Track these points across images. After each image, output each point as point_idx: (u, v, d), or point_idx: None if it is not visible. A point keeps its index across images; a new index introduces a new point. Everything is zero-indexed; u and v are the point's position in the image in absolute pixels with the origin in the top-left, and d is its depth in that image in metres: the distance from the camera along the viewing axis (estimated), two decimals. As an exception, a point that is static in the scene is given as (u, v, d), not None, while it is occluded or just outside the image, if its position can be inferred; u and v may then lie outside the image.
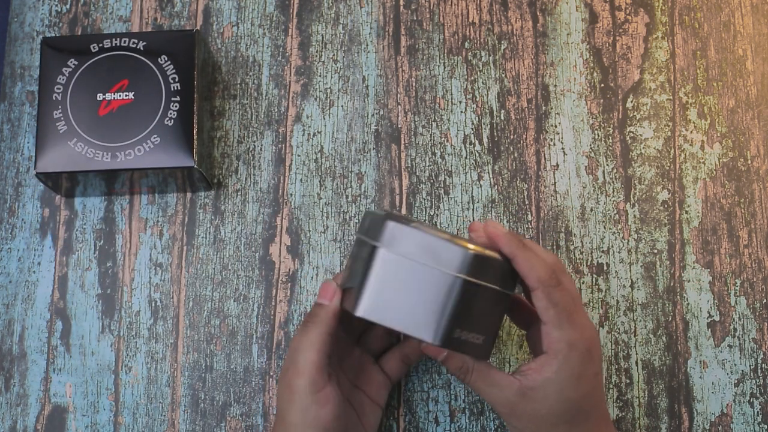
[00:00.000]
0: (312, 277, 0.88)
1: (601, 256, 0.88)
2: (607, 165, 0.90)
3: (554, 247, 0.88)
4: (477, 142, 0.91)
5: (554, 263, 0.73)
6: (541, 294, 0.72)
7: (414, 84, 0.92)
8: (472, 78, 0.92)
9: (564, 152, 0.90)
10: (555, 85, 0.92)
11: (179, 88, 0.85)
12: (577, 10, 0.93)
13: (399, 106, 0.92)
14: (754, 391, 0.86)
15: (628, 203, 0.89)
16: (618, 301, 0.87)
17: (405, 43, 0.93)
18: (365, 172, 0.90)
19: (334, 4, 0.94)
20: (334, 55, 0.93)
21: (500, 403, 0.74)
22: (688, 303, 0.87)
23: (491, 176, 0.90)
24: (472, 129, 0.91)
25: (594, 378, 0.73)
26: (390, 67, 0.92)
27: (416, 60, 0.93)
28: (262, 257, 0.89)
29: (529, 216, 0.89)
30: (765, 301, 0.87)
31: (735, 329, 0.87)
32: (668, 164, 0.90)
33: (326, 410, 0.74)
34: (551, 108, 0.91)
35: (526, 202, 0.89)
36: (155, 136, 0.84)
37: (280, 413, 0.76)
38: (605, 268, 0.88)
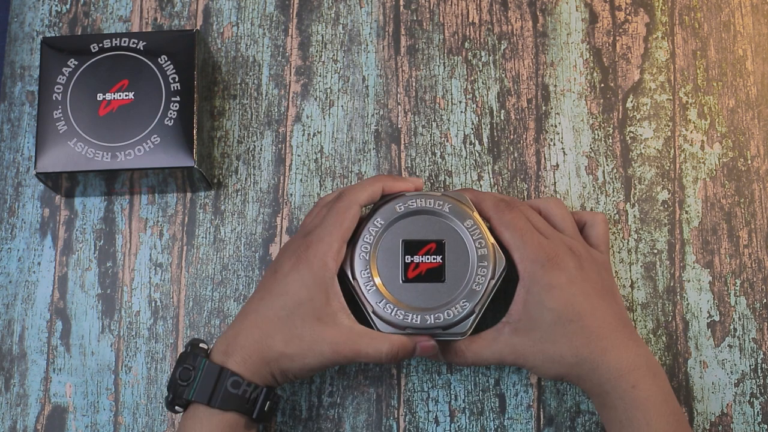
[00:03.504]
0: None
1: (601, 256, 0.88)
2: (607, 165, 0.90)
3: (554, 247, 0.88)
4: (477, 142, 0.91)
5: (503, 196, 0.80)
6: (495, 222, 0.78)
7: (414, 84, 0.92)
8: (472, 78, 0.92)
9: (564, 152, 0.90)
10: (555, 85, 0.92)
11: (179, 88, 0.85)
12: (577, 10, 0.93)
13: (399, 106, 0.92)
14: (754, 391, 0.86)
15: (628, 203, 0.89)
16: (618, 301, 0.87)
17: (405, 43, 0.93)
18: (365, 172, 0.90)
19: (334, 4, 0.94)
20: (334, 55, 0.93)
21: (507, 354, 0.77)
22: (688, 303, 0.87)
23: (491, 176, 0.90)
24: (472, 129, 0.91)
25: (569, 286, 0.76)
26: (390, 67, 0.92)
27: (416, 60, 0.93)
28: (262, 257, 0.89)
29: (529, 216, 0.89)
30: (765, 301, 0.87)
31: (735, 329, 0.87)
32: (668, 164, 0.90)
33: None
34: (551, 108, 0.91)
35: (524, 201, 0.89)
36: (155, 136, 0.84)
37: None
38: (605, 268, 0.88)
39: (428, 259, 0.79)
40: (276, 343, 0.75)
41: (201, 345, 0.78)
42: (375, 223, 0.79)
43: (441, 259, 0.79)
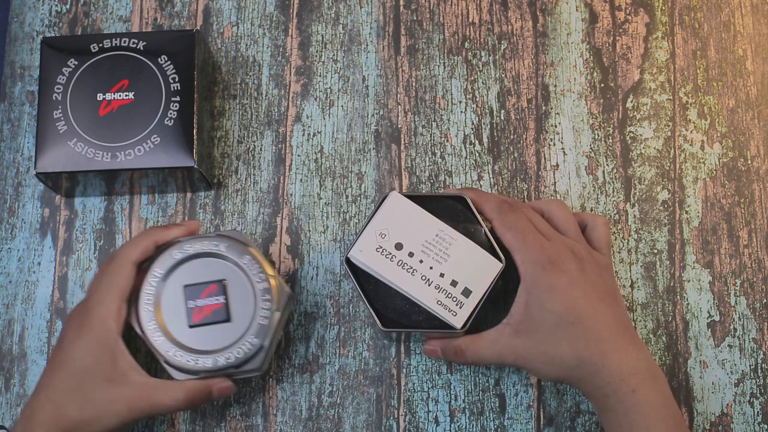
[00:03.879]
0: (312, 277, 0.88)
1: (601, 256, 0.88)
2: (607, 165, 0.90)
3: (554, 247, 0.88)
4: (477, 142, 0.91)
5: (505, 197, 0.81)
6: (497, 223, 0.79)
7: (414, 84, 0.92)
8: (472, 78, 0.92)
9: (564, 152, 0.90)
10: (555, 85, 0.92)
11: (179, 88, 0.85)
12: (577, 10, 0.93)
13: (399, 106, 0.92)
14: (754, 391, 0.86)
15: (628, 203, 0.89)
16: (618, 301, 0.87)
17: (405, 43, 0.93)
18: (365, 172, 0.90)
19: (334, 4, 0.94)
20: (334, 55, 0.93)
21: (508, 355, 0.78)
22: (688, 303, 0.87)
23: (491, 176, 0.90)
24: (472, 129, 0.91)
25: (570, 288, 0.76)
26: (390, 67, 0.92)
27: (416, 60, 0.93)
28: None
29: (529, 216, 0.89)
30: (765, 301, 0.87)
31: (735, 329, 0.87)
32: (668, 164, 0.90)
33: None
34: (551, 108, 0.91)
35: (526, 203, 0.89)
36: (155, 136, 0.84)
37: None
38: (605, 268, 0.88)
39: (211, 301, 0.79)
40: (71, 412, 0.76)
41: (2, 430, 0.80)
42: (154, 273, 0.80)
43: (224, 299, 0.79)
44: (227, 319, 0.79)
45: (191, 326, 0.79)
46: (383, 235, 0.78)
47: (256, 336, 0.79)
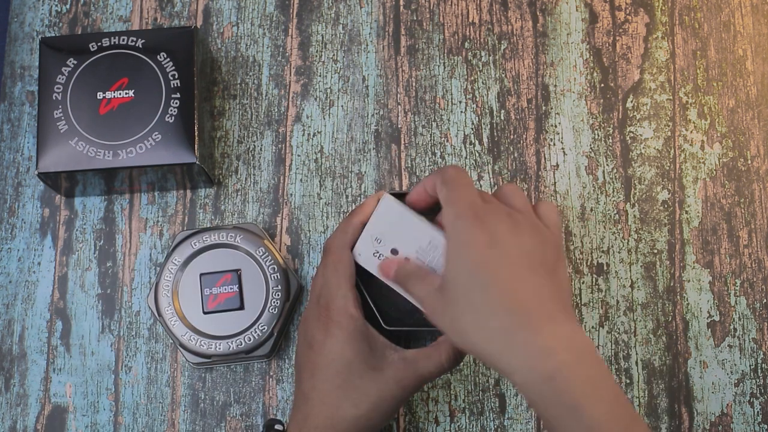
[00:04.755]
0: (312, 277, 0.88)
1: (601, 256, 0.88)
2: (607, 165, 0.90)
3: (554, 246, 0.88)
4: (477, 142, 0.91)
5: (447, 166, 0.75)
6: (436, 178, 0.73)
7: (414, 84, 0.92)
8: (472, 78, 0.92)
9: (564, 152, 0.90)
10: (555, 85, 0.92)
11: (179, 85, 0.85)
12: (577, 10, 0.93)
13: (399, 106, 0.92)
14: (754, 391, 0.86)
15: (628, 203, 0.89)
16: (618, 301, 0.87)
17: (405, 43, 0.93)
18: (365, 172, 0.90)
19: (334, 4, 0.94)
20: (334, 55, 0.93)
21: (424, 307, 0.72)
22: (688, 303, 0.87)
23: (491, 176, 0.90)
24: (472, 129, 0.91)
25: (488, 248, 0.68)
26: (390, 67, 0.93)
27: (416, 60, 0.93)
28: (262, 257, 0.89)
29: (529, 216, 0.89)
30: (765, 301, 0.87)
31: (735, 329, 0.87)
32: (668, 164, 0.90)
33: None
34: (551, 108, 0.91)
35: (526, 202, 0.89)
36: (156, 133, 0.84)
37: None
38: (605, 268, 0.88)
39: (225, 289, 0.84)
40: (347, 411, 0.74)
41: (277, 427, 0.78)
42: (173, 261, 0.85)
43: (237, 288, 0.84)
44: (240, 307, 0.84)
45: (206, 312, 0.84)
46: (378, 240, 0.77)
47: (267, 324, 0.83)
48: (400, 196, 0.83)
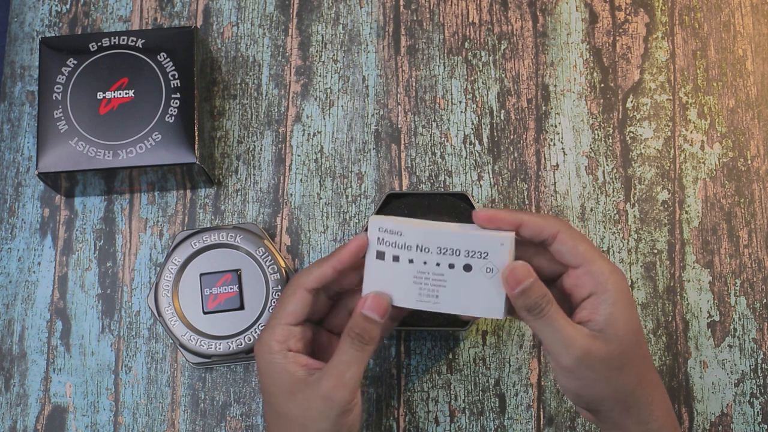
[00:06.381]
0: None
1: (601, 256, 0.88)
2: (607, 165, 0.90)
3: (554, 246, 0.88)
4: (477, 142, 0.91)
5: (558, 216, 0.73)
6: (566, 236, 0.70)
7: (414, 84, 0.92)
8: (472, 78, 0.92)
9: (564, 152, 0.90)
10: (555, 85, 0.92)
11: (179, 84, 0.85)
12: (577, 10, 0.93)
13: (399, 106, 0.92)
14: (754, 391, 0.86)
15: (628, 203, 0.89)
16: (618, 301, 0.87)
17: (405, 43, 0.93)
18: (365, 172, 0.90)
19: (334, 4, 0.94)
20: (334, 55, 0.93)
21: (568, 351, 0.68)
22: (688, 303, 0.87)
23: (491, 176, 0.90)
24: (472, 129, 0.91)
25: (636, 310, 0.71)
26: (390, 67, 0.93)
27: (416, 60, 0.93)
28: (262, 257, 0.89)
29: (529, 216, 0.89)
30: (765, 301, 0.87)
31: (735, 329, 0.87)
32: (668, 164, 0.90)
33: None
34: (551, 108, 0.91)
35: (526, 202, 0.89)
36: (156, 133, 0.84)
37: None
38: (605, 267, 0.88)
39: (225, 289, 0.84)
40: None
41: None
42: (173, 261, 0.84)
43: (237, 288, 0.84)
44: (240, 307, 0.84)
45: (206, 312, 0.84)
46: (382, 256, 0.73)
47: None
48: (401, 196, 0.83)
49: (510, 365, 0.86)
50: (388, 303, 0.71)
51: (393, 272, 0.71)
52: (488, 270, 0.69)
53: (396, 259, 0.71)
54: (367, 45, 0.93)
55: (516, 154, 0.90)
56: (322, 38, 0.93)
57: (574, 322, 0.69)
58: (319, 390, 0.70)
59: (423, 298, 0.71)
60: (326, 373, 0.71)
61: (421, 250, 0.71)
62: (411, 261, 0.71)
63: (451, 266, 0.70)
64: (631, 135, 0.91)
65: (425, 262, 0.71)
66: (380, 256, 0.71)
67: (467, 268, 0.70)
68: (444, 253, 0.70)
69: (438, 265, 0.70)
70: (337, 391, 0.70)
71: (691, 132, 0.91)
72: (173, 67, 0.85)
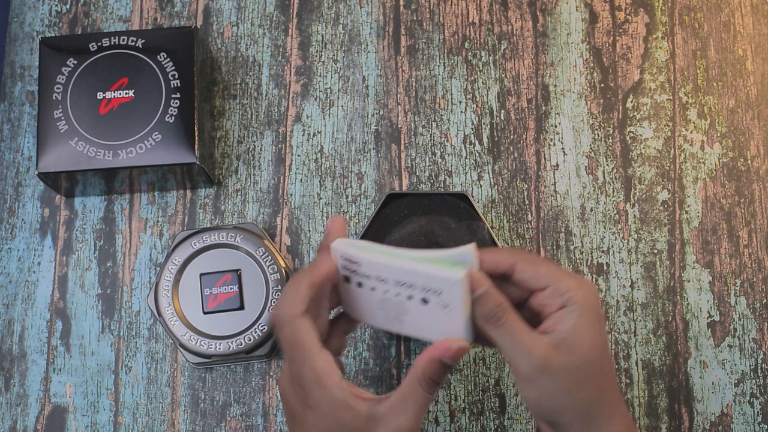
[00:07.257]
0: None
1: (601, 256, 0.88)
2: (607, 165, 0.90)
3: (554, 247, 0.88)
4: (477, 142, 0.91)
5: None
6: (524, 265, 0.69)
7: (414, 84, 0.92)
8: (472, 78, 0.92)
9: (564, 152, 0.90)
10: (555, 85, 0.92)
11: (179, 84, 0.85)
12: (577, 10, 0.93)
13: (399, 106, 0.92)
14: (754, 391, 0.86)
15: (628, 203, 0.89)
16: (618, 301, 0.87)
17: (405, 43, 0.93)
18: (365, 172, 0.90)
19: (334, 4, 0.94)
20: (334, 55, 0.93)
21: (528, 360, 0.67)
22: (688, 303, 0.87)
23: (491, 176, 0.90)
24: (472, 129, 0.91)
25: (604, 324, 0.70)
26: (390, 67, 0.93)
27: (416, 60, 0.93)
28: (262, 257, 0.89)
29: (529, 216, 0.89)
30: (765, 301, 0.87)
31: (735, 329, 0.87)
32: (668, 164, 0.90)
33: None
34: (551, 108, 0.91)
35: (526, 202, 0.89)
36: (156, 133, 0.84)
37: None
38: (605, 268, 0.88)
39: (225, 289, 0.84)
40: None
41: None
42: (173, 261, 0.85)
43: (237, 288, 0.84)
44: (240, 307, 0.84)
45: (206, 312, 0.84)
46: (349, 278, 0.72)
47: (267, 324, 0.83)
48: (400, 196, 0.83)
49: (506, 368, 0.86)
50: (465, 349, 0.69)
51: (359, 295, 0.71)
52: (444, 306, 0.68)
53: (360, 285, 0.70)
54: (367, 45, 0.93)
55: (516, 154, 0.90)
56: (322, 38, 0.93)
57: (537, 331, 0.68)
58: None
59: (389, 321, 0.71)
60: (397, 412, 0.68)
61: (380, 281, 0.69)
62: (373, 289, 0.69)
63: (410, 297, 0.68)
64: (631, 135, 0.91)
65: (385, 291, 0.69)
66: (347, 280, 0.70)
67: (424, 301, 0.68)
68: (401, 285, 0.68)
69: (397, 295, 0.69)
70: None
71: (691, 132, 0.91)
72: (173, 67, 0.85)
